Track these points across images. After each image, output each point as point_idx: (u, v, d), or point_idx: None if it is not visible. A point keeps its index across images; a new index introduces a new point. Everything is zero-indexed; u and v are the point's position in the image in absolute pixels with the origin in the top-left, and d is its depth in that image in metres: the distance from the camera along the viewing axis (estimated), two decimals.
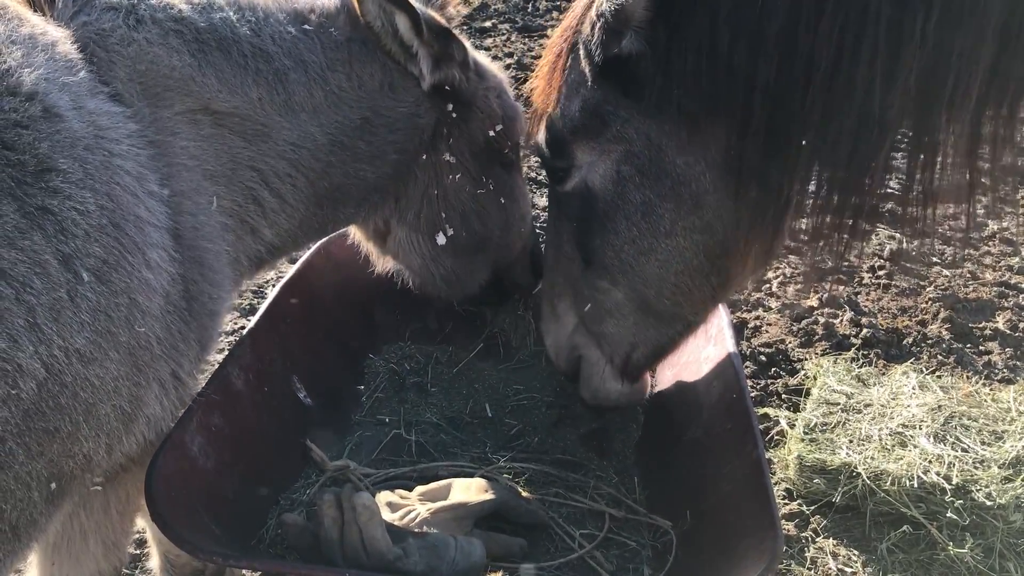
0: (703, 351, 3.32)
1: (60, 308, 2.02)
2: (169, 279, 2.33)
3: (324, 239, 3.61)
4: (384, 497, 2.92)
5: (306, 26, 2.75)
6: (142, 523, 2.95)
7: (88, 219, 2.10)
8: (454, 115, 2.96)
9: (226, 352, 4.59)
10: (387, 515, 2.78)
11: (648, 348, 2.93)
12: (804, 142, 2.24)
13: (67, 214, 2.06)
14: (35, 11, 2.40)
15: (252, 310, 5.03)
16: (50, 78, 2.18)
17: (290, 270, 3.61)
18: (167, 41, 2.49)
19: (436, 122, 2.95)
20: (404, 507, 2.87)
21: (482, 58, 3.16)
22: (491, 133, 3.03)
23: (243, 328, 4.90)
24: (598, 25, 2.39)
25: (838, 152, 2.21)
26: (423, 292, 3.35)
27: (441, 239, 3.06)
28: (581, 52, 2.54)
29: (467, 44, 3.01)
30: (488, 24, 9.07)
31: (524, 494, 3.05)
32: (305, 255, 3.68)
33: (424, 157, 2.96)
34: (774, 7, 2.12)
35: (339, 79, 2.76)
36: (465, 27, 9.04)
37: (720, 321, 3.30)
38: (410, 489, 3.02)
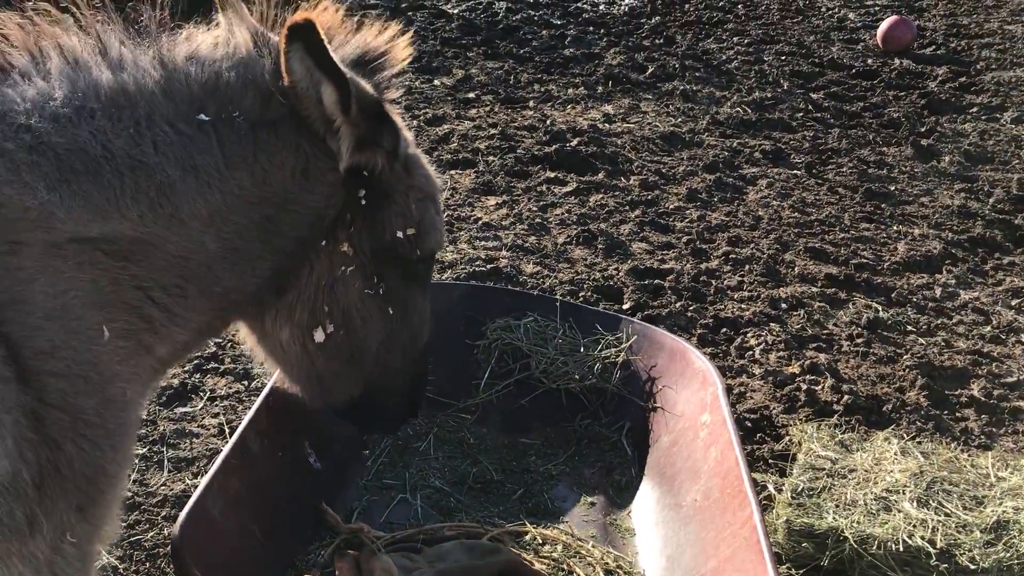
0: (700, 417, 3.46)
1: None
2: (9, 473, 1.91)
3: None
4: (394, 560, 3.00)
5: (203, 115, 2.32)
6: None
7: None
8: (363, 203, 2.58)
9: (222, 415, 4.70)
10: None
11: None
12: None
13: None
14: None
15: (246, 375, 5.09)
16: None
17: None
18: (19, 177, 2.04)
19: (342, 206, 2.56)
20: (414, 569, 2.95)
21: (422, 158, 2.79)
22: (399, 235, 2.66)
23: (237, 392, 4.96)
24: None
25: None
26: (292, 389, 2.99)
27: (320, 335, 2.70)
28: None
29: (405, 133, 2.65)
30: (472, 95, 9.31)
31: (527, 557, 3.14)
32: None
33: (323, 244, 2.58)
34: None
35: (240, 177, 2.34)
36: (450, 99, 9.27)
37: (716, 389, 3.44)
38: (417, 551, 3.10)
